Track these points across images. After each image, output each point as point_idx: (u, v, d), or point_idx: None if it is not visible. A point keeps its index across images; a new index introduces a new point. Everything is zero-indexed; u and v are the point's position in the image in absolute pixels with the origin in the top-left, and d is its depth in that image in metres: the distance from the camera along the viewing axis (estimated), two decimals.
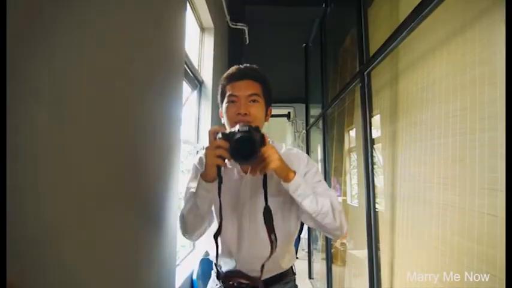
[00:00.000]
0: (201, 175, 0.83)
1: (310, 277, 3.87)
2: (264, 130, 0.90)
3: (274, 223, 0.85)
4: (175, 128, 1.21)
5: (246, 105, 0.90)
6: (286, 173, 0.82)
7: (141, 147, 0.91)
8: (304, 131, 4.60)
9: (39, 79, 0.50)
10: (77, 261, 0.60)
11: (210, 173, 0.80)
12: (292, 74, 4.27)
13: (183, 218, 0.89)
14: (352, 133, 2.66)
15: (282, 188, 0.86)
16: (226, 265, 0.97)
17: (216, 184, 0.81)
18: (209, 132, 0.82)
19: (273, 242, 0.83)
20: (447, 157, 1.27)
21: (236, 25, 2.64)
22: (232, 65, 0.99)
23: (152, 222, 0.99)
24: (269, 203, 0.85)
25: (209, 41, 2.05)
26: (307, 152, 4.02)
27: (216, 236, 0.86)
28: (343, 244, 2.69)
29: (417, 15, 1.21)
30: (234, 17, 2.61)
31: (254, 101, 0.92)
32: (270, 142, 0.87)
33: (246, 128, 0.79)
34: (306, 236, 4.49)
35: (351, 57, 2.56)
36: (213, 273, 1.03)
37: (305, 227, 4.83)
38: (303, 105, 4.48)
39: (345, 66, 2.92)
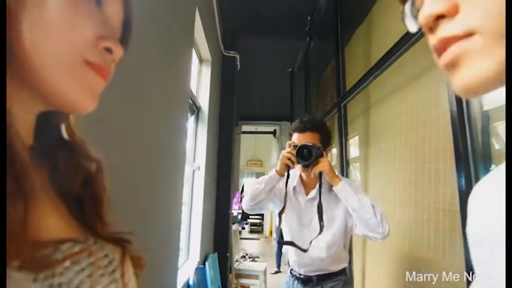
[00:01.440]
0: (275, 169, 1.21)
1: None
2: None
3: (328, 237, 1.21)
4: (182, 148, 1.42)
5: None
6: (333, 175, 1.17)
7: (153, 160, 1.11)
8: None
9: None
10: None
11: (281, 168, 1.19)
12: (278, 94, 4.58)
13: (249, 190, 1.26)
14: (334, 151, 2.94)
15: (334, 215, 1.22)
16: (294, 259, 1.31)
17: (282, 179, 1.21)
18: (287, 143, 1.23)
19: (321, 226, 1.15)
20: (406, 181, 1.54)
21: (229, 53, 2.91)
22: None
23: (162, 227, 1.18)
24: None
25: (206, 71, 2.29)
26: None
27: (280, 213, 1.24)
28: None
29: (381, 64, 1.49)
30: (227, 46, 2.88)
31: None
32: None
33: (309, 143, 1.17)
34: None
35: (331, 84, 2.87)
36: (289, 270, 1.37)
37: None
38: (288, 124, 4.77)
39: (325, 92, 3.22)
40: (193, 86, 2.11)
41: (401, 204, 1.58)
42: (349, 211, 1.20)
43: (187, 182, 2.08)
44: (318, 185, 1.20)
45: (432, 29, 0.29)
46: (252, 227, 9.47)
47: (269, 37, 3.18)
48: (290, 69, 3.98)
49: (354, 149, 2.32)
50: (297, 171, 1.29)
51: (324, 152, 1.22)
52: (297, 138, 1.24)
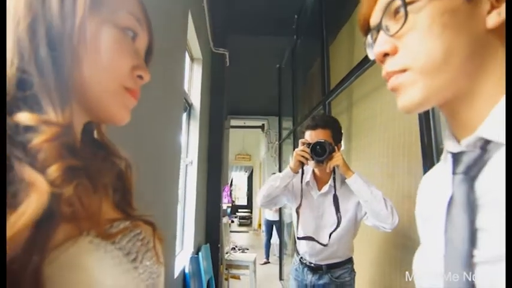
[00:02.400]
0: (289, 166, 1.29)
1: (280, 279, 4.21)
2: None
3: (339, 229, 1.26)
4: (178, 145, 1.52)
5: None
6: (346, 168, 1.24)
7: (155, 156, 1.20)
8: (277, 142, 4.99)
9: None
10: None
11: (295, 165, 1.27)
12: (266, 90, 4.68)
13: (264, 187, 1.34)
14: None
15: (346, 207, 1.29)
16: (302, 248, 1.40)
17: (296, 176, 1.29)
18: (300, 141, 1.30)
19: (339, 218, 1.23)
20: (383, 173, 1.68)
21: (218, 50, 2.98)
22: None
23: (162, 216, 1.27)
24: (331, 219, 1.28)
25: (197, 70, 2.37)
26: (280, 162, 4.41)
27: (297, 209, 1.32)
28: None
29: (362, 65, 1.61)
30: (216, 43, 2.95)
31: None
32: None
33: (322, 140, 1.24)
34: (278, 242, 4.84)
35: (317, 81, 2.98)
36: (295, 255, 1.45)
37: (275, 235, 5.22)
38: (276, 118, 4.88)
39: (312, 87, 3.34)
40: (185, 84, 2.18)
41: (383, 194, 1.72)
42: (359, 204, 1.28)
43: (181, 176, 2.17)
44: (332, 179, 1.29)
45: (382, 61, 0.41)
46: (241, 220, 9.62)
47: (257, 34, 3.26)
48: (278, 65, 4.07)
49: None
50: (309, 167, 1.37)
51: (336, 147, 1.29)
52: (309, 135, 1.32)
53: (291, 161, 1.30)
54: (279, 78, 4.25)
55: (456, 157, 0.37)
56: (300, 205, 1.32)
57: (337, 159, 1.23)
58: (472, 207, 0.34)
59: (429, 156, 1.06)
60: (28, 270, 0.25)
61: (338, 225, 1.25)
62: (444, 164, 0.43)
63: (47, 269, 0.26)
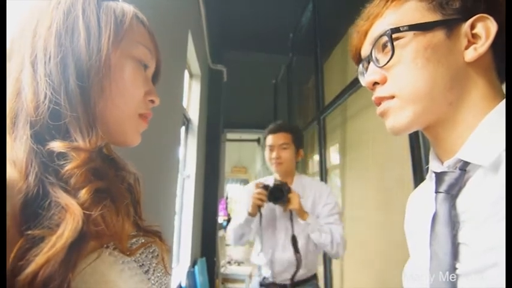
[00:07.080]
0: (248, 212, 1.25)
1: None
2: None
3: (304, 247, 1.25)
4: (176, 158, 1.54)
5: (279, 152, 1.32)
6: (302, 213, 1.22)
7: (155, 170, 1.22)
8: None
9: None
10: None
11: (253, 210, 1.24)
12: (262, 104, 4.74)
13: (232, 233, 1.32)
14: (316, 157, 3.12)
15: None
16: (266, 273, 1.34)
17: (255, 219, 1.26)
18: (256, 184, 1.27)
19: (298, 260, 1.23)
20: (378, 186, 1.73)
21: (216, 66, 3.05)
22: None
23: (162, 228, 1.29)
24: (297, 232, 1.25)
25: (196, 85, 2.43)
26: None
27: (259, 253, 1.30)
28: None
29: (355, 84, 1.68)
30: (214, 60, 3.02)
31: (285, 148, 1.32)
32: (299, 176, 1.34)
33: (278, 182, 1.23)
34: None
35: (312, 96, 3.05)
36: (257, 278, 1.41)
37: None
38: None
39: (307, 103, 3.42)
40: (184, 100, 2.23)
41: (374, 207, 1.76)
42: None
43: (178, 190, 2.18)
44: (289, 220, 1.26)
45: (372, 89, 0.45)
46: None
47: (254, 51, 3.35)
48: (274, 81, 4.16)
49: (336, 156, 2.50)
50: (272, 178, 1.36)
51: (298, 151, 1.32)
52: (271, 139, 1.33)
53: (249, 206, 1.27)
54: (275, 93, 4.33)
55: (439, 177, 0.40)
56: (261, 249, 1.31)
57: (294, 204, 1.22)
58: (453, 223, 0.37)
59: (419, 171, 1.11)
60: (60, 284, 0.27)
61: (298, 267, 1.23)
62: (430, 182, 0.46)
63: (74, 279, 0.29)
